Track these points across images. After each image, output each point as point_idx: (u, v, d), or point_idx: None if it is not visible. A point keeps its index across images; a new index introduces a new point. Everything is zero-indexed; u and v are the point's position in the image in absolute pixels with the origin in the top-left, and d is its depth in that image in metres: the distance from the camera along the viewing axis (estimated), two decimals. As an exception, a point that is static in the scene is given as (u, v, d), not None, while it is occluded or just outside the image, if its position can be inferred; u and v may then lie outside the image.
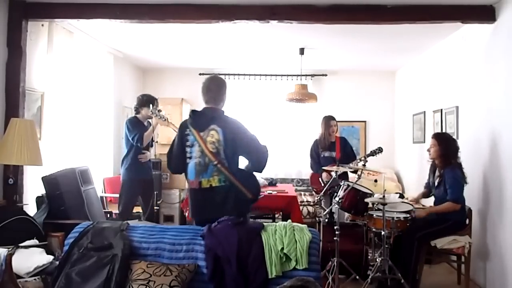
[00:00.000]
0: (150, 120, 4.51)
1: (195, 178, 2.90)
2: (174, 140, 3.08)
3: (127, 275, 2.21)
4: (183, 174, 3.06)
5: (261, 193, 3.09)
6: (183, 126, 3.02)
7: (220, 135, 2.86)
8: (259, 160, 2.92)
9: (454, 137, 4.50)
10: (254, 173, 3.00)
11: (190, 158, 2.93)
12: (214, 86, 3.02)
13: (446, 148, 3.83)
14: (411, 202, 4.02)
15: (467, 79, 4.42)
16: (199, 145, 2.87)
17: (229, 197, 2.84)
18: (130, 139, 4.34)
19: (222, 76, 6.79)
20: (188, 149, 2.94)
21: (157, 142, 6.50)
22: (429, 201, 4.21)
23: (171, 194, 6.38)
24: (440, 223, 3.76)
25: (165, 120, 4.01)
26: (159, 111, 3.90)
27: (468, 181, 3.81)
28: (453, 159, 3.81)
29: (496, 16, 3.82)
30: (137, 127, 4.39)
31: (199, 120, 2.94)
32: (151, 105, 4.26)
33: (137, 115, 4.52)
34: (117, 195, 4.59)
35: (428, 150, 3.97)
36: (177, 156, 3.01)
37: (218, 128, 2.87)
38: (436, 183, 3.92)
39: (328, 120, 5.13)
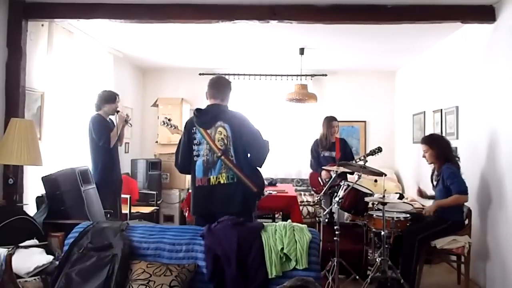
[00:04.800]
0: (111, 117, 4.46)
1: (203, 176, 2.95)
2: (180, 140, 3.11)
3: (127, 275, 2.21)
4: (181, 172, 3.10)
5: (265, 190, 3.14)
6: (189, 125, 3.05)
7: (228, 131, 2.91)
8: (258, 154, 2.97)
9: (454, 137, 4.51)
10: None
11: (197, 156, 2.97)
12: (220, 81, 3.12)
13: (438, 147, 3.85)
14: (411, 202, 4.02)
15: (467, 79, 4.42)
16: (207, 143, 2.92)
17: (237, 193, 2.90)
18: (97, 139, 4.26)
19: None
20: (195, 147, 2.98)
21: (157, 142, 6.56)
22: (429, 202, 4.20)
23: (171, 194, 6.39)
24: (439, 224, 3.76)
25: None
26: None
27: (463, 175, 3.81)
28: (449, 153, 3.83)
29: (496, 16, 3.81)
30: (102, 127, 4.32)
31: (205, 118, 2.98)
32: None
33: (99, 112, 4.42)
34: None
35: (424, 157, 3.98)
36: (185, 155, 3.04)
37: (225, 124, 2.92)
38: (435, 183, 3.93)
39: (330, 121, 5.14)
